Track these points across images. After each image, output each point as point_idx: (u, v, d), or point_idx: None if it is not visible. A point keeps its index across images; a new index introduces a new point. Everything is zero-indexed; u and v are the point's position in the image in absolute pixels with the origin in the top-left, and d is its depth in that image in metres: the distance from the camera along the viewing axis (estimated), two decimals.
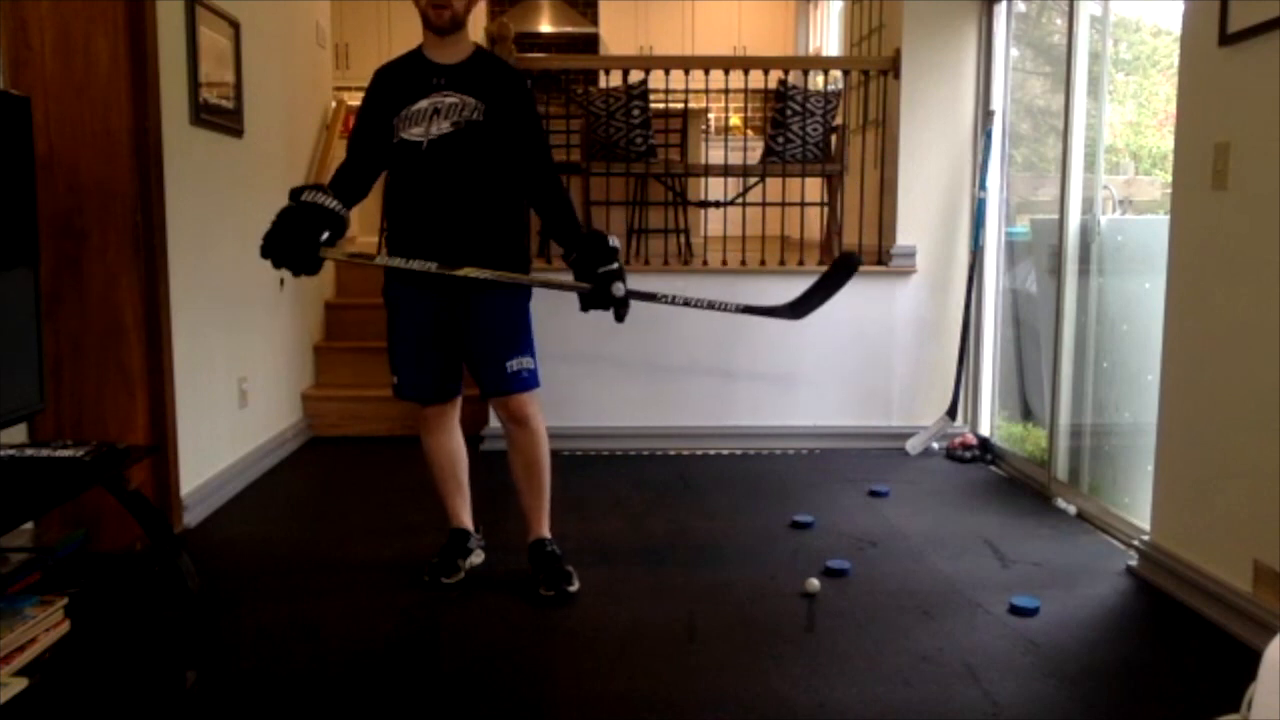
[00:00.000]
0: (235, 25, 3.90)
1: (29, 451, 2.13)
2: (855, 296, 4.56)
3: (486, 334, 2.78)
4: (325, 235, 2.53)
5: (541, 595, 2.78)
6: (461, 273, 2.59)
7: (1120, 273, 3.54)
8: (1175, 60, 2.96)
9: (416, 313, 2.79)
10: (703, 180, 5.27)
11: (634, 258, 4.74)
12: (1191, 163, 2.79)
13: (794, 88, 4.74)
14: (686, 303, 2.75)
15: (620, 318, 2.62)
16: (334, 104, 5.49)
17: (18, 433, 2.60)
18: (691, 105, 5.53)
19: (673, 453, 4.50)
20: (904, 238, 4.57)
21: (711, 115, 7.57)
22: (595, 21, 8.64)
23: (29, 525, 2.24)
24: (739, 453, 4.51)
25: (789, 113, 4.69)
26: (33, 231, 2.19)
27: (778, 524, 3.47)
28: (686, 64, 4.71)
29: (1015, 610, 2.68)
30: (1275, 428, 2.44)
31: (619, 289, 2.59)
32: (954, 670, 2.36)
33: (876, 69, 4.71)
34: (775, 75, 4.80)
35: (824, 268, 4.65)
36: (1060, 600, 2.77)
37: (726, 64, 4.65)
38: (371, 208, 4.62)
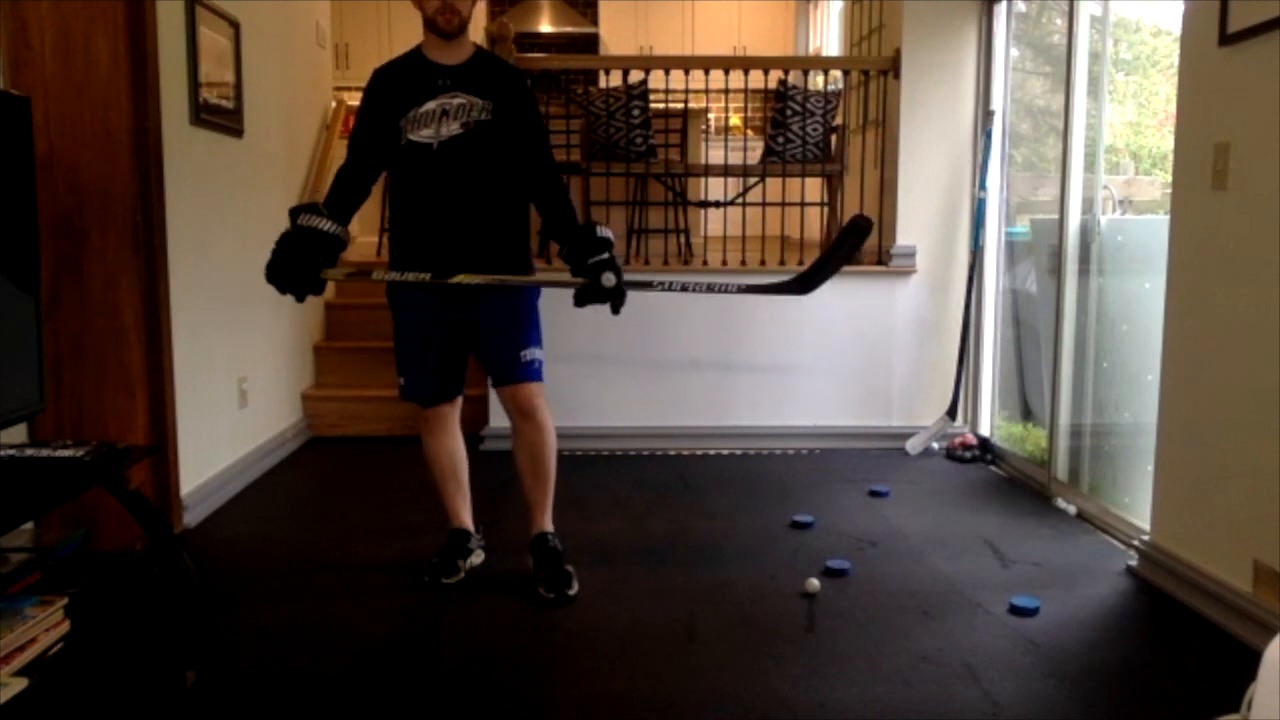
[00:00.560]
0: (235, 25, 3.90)
1: (29, 451, 2.13)
2: (855, 296, 4.58)
3: (500, 330, 2.80)
4: (323, 257, 2.59)
5: (541, 595, 2.78)
6: (455, 280, 2.60)
7: (1120, 273, 3.54)
8: (1175, 60, 2.96)
9: (423, 314, 2.80)
10: (703, 180, 5.27)
11: (634, 258, 4.74)
12: (1191, 163, 2.79)
13: (794, 88, 4.74)
14: (684, 288, 2.72)
15: (615, 309, 2.61)
16: (334, 104, 5.49)
17: (18, 433, 2.60)
18: (691, 105, 5.53)
19: (673, 453, 4.50)
20: (904, 238, 4.57)
21: (711, 115, 7.57)
22: (595, 21, 8.64)
23: (29, 525, 2.23)
24: (739, 453, 4.51)
25: (789, 113, 4.69)
26: (33, 231, 2.19)
27: (778, 524, 3.47)
28: (686, 64, 4.71)
29: (1015, 610, 2.68)
30: (1275, 428, 2.44)
31: (609, 279, 2.58)
32: (954, 670, 2.36)
33: (876, 69, 4.71)
34: (775, 75, 4.80)
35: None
36: (1060, 600, 2.77)
37: (726, 64, 4.65)
38: (371, 209, 4.62)
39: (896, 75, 4.53)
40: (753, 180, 4.80)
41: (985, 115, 4.45)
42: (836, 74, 5.04)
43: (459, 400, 2.96)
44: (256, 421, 4.19)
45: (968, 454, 4.36)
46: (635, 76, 4.69)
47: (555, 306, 3.04)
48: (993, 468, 4.28)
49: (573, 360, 4.45)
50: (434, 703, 2.23)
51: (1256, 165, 2.52)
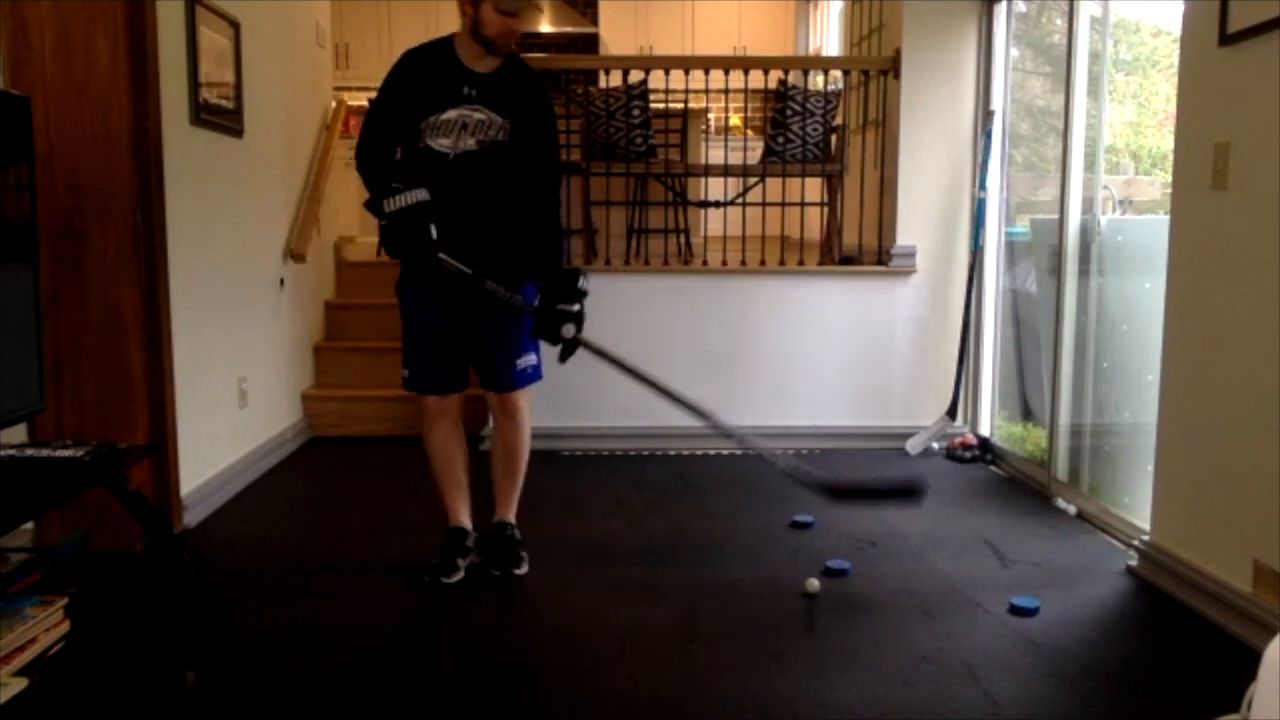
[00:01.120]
0: (235, 25, 3.90)
1: (29, 451, 2.13)
2: (855, 296, 4.58)
3: (499, 332, 2.85)
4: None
5: (491, 574, 2.89)
6: (469, 278, 2.69)
7: (1120, 273, 3.54)
8: (1175, 60, 2.96)
9: (432, 308, 2.85)
10: (703, 180, 5.27)
11: (634, 258, 4.75)
12: (1191, 163, 2.78)
13: (794, 88, 4.74)
14: (672, 398, 2.75)
15: (563, 359, 2.71)
16: (334, 104, 5.48)
17: (18, 433, 2.60)
18: (691, 105, 5.54)
19: (673, 453, 4.49)
20: (904, 238, 4.57)
21: (711, 115, 7.57)
22: (595, 21, 8.64)
23: (29, 525, 2.23)
24: (739, 453, 4.49)
25: (789, 113, 4.70)
26: (33, 231, 2.19)
27: (778, 524, 3.46)
28: (686, 64, 4.71)
29: (1015, 610, 2.68)
30: (1275, 428, 2.44)
31: (568, 330, 2.68)
32: (954, 670, 2.36)
33: (876, 69, 4.71)
34: (775, 75, 4.81)
35: (825, 267, 4.71)
36: (1060, 600, 2.77)
37: (726, 64, 4.65)
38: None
39: (896, 75, 4.53)
40: (753, 180, 4.80)
41: (985, 115, 4.45)
42: (836, 74, 5.04)
43: (461, 396, 2.98)
44: (256, 421, 4.19)
45: (968, 454, 4.36)
46: (635, 76, 4.69)
47: None
48: (993, 468, 4.28)
49: (573, 360, 4.43)
50: (434, 703, 2.23)
51: (1256, 165, 2.52)
